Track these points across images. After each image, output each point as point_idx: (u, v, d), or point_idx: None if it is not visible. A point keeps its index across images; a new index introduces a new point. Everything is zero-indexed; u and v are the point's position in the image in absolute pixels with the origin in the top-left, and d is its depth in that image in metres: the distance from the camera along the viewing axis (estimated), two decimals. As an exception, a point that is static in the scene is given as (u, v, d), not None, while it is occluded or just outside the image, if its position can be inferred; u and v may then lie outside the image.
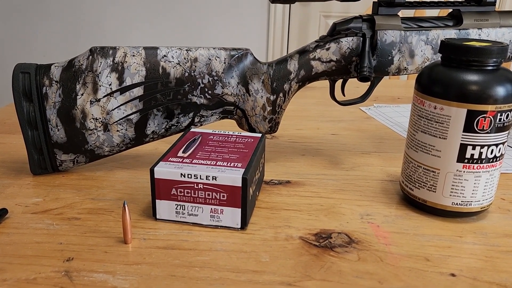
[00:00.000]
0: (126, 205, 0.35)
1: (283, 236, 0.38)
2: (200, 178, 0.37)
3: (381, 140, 0.60)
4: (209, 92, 0.47)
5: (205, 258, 0.34)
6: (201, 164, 0.39)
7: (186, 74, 0.46)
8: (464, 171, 0.39)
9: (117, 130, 0.46)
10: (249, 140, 0.44)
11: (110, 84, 0.45)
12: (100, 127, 0.45)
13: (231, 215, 0.38)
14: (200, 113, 0.47)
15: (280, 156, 0.54)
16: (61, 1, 1.95)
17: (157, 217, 0.39)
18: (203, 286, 0.31)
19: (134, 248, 0.35)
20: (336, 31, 0.48)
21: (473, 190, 0.39)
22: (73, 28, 1.99)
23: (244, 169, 0.38)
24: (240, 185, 0.37)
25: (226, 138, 0.44)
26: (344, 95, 0.52)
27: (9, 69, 2.06)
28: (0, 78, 2.07)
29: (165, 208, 0.39)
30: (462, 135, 0.38)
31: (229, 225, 0.38)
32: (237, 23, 1.90)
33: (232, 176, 0.37)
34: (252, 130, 0.49)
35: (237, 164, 0.39)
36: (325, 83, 0.93)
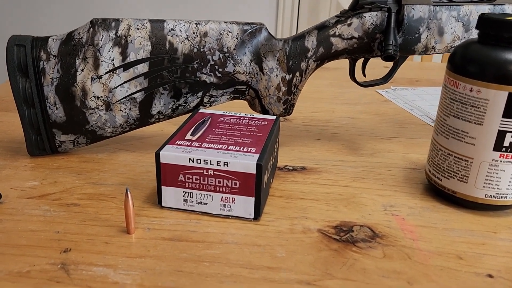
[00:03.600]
0: (128, 192, 0.32)
1: (300, 228, 0.34)
2: (211, 164, 0.34)
3: (401, 125, 0.57)
4: (220, 70, 0.43)
5: (215, 252, 0.31)
6: (212, 148, 0.35)
7: (195, 50, 0.42)
8: (501, 161, 0.35)
9: (120, 110, 0.43)
10: (262, 122, 0.41)
11: (113, 60, 0.41)
12: (102, 106, 0.42)
13: (244, 205, 0.35)
14: (210, 92, 0.44)
15: (294, 140, 0.51)
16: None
17: (163, 205, 0.36)
18: (212, 283, 0.28)
19: (137, 239, 0.32)
20: (359, 5, 0.43)
21: (510, 181, 0.36)
22: (80, 9, 1.93)
23: (258, 155, 0.34)
24: (255, 172, 0.33)
25: (238, 120, 0.41)
26: (364, 75, 0.48)
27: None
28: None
29: (171, 195, 0.36)
30: (501, 120, 0.34)
31: (241, 215, 0.35)
32: (245, 4, 1.84)
33: (245, 162, 0.33)
34: (265, 112, 0.46)
35: (251, 149, 0.35)
36: (339, 63, 0.89)
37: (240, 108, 0.61)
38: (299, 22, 1.77)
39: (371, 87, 0.47)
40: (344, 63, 0.89)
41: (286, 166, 0.45)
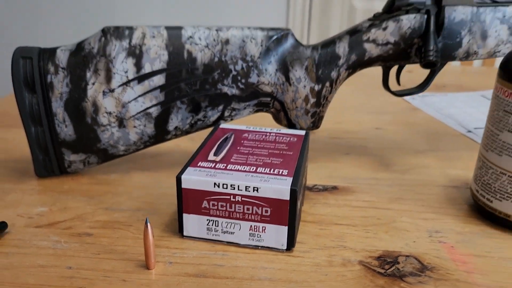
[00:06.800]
0: (149, 224, 0.28)
1: (339, 260, 0.31)
2: (239, 189, 0.30)
3: (434, 136, 0.53)
4: (243, 81, 0.39)
5: (247, 291, 0.28)
6: (239, 170, 0.32)
7: (216, 59, 0.39)
8: None
9: (134, 126, 0.39)
10: (291, 139, 0.37)
11: (126, 72, 0.38)
12: (114, 122, 0.39)
13: (275, 234, 0.31)
14: (231, 105, 0.40)
15: (321, 155, 0.47)
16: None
17: (184, 234, 0.33)
18: (247, 331, 0.25)
19: (158, 275, 0.29)
20: (395, 7, 0.40)
21: None
22: (82, 15, 1.91)
23: (291, 178, 0.31)
24: (288, 198, 0.30)
25: (263, 137, 0.37)
26: (399, 84, 0.44)
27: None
28: (4, 66, 2.00)
29: (194, 223, 0.32)
30: None
31: (272, 246, 0.31)
32: (254, 7, 1.80)
33: (278, 187, 0.30)
34: (291, 125, 0.42)
35: (282, 171, 0.32)
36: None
37: (263, 119, 0.57)
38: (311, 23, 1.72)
39: (406, 96, 0.43)
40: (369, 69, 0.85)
41: (316, 185, 0.41)
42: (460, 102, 0.63)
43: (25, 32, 1.96)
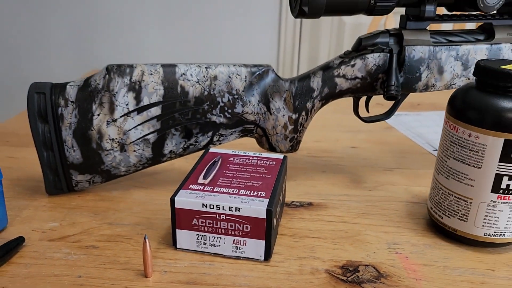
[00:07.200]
0: (147, 239, 0.34)
1: (308, 269, 0.36)
2: (223, 209, 0.36)
3: (403, 154, 0.58)
4: (229, 111, 0.45)
5: (229, 296, 0.33)
6: (223, 193, 0.37)
7: (206, 92, 0.44)
8: (498, 202, 0.37)
9: (134, 150, 0.45)
10: (271, 163, 0.43)
11: (127, 104, 0.43)
12: (116, 147, 0.44)
13: (255, 247, 0.37)
14: (219, 132, 0.46)
15: (300, 174, 0.53)
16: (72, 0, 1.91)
17: (177, 246, 0.38)
18: (228, 329, 0.30)
19: (155, 283, 0.34)
20: (362, 47, 0.45)
21: (507, 221, 0.37)
22: (83, 29, 1.96)
23: (268, 200, 0.36)
24: (265, 217, 0.35)
25: (247, 161, 0.43)
26: (368, 111, 0.50)
27: (20, 68, 2.04)
28: (13, 79, 2.05)
29: (186, 238, 0.37)
30: (498, 165, 0.36)
31: (252, 257, 0.37)
32: (248, 21, 1.86)
33: (256, 207, 0.35)
34: (272, 149, 0.48)
35: (261, 193, 0.37)
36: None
37: (247, 142, 0.63)
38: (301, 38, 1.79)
39: (374, 122, 0.49)
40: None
41: (294, 202, 0.46)
42: (431, 121, 0.69)
43: (35, 63, 2.01)
